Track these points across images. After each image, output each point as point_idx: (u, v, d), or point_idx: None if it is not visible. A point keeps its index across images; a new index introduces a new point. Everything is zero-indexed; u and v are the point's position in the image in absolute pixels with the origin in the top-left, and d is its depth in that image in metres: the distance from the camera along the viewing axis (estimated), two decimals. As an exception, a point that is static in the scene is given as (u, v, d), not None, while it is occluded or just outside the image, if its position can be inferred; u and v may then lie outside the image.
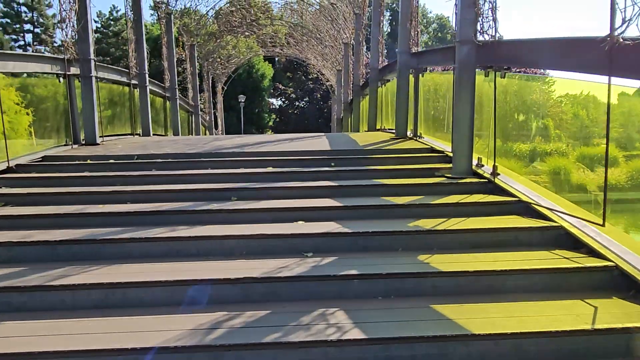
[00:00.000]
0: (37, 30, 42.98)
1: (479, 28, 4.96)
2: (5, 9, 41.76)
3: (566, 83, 5.41)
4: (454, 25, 5.55)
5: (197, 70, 17.31)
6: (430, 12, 54.24)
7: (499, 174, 4.85)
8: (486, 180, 4.85)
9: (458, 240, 3.53)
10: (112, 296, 2.86)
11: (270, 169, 5.54)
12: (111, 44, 40.65)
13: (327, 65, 22.65)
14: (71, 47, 7.34)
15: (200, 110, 19.00)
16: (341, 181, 5.04)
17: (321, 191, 4.73)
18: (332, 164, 5.80)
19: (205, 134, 18.96)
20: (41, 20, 42.63)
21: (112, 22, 42.78)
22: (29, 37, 43.16)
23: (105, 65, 9.45)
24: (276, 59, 35.41)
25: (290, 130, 37.71)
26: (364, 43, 13.44)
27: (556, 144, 5.83)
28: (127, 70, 10.12)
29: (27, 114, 7.47)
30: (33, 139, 7.74)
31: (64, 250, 3.40)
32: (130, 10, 10.55)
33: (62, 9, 7.23)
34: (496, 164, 4.83)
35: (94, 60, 7.66)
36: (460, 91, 5.14)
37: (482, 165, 5.33)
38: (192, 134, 16.15)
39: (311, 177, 5.20)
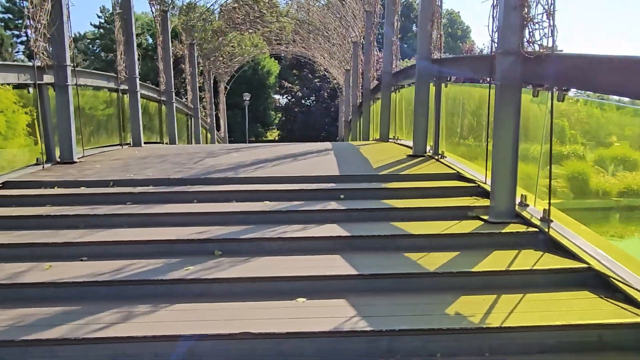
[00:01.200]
0: (39, 26, 42.20)
1: (527, 36, 3.94)
2: (7, 5, 41.02)
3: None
4: (489, 31, 4.50)
5: (197, 70, 16.29)
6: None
7: (552, 221, 3.83)
8: (536, 229, 3.83)
9: (519, 342, 2.52)
10: None
11: (266, 204, 4.62)
12: (114, 40, 39.82)
13: (334, 63, 21.60)
14: (42, 53, 6.36)
15: (203, 108, 18.01)
16: (353, 225, 4.07)
17: (328, 243, 3.75)
18: (341, 196, 4.85)
19: (206, 137, 17.99)
20: (44, 15, 41.80)
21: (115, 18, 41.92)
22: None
23: (88, 70, 8.52)
24: (282, 55, 34.28)
25: (296, 129, 36.67)
26: (375, 43, 12.34)
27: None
28: (116, 75, 9.19)
29: (26, 113, 6.58)
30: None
31: (-31, 356, 2.46)
32: (119, 8, 9.60)
33: (30, 7, 6.21)
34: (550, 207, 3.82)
35: (71, 67, 6.69)
36: (502, 113, 4.12)
37: (527, 205, 4.31)
38: (191, 138, 15.18)
39: (315, 219, 4.23)
